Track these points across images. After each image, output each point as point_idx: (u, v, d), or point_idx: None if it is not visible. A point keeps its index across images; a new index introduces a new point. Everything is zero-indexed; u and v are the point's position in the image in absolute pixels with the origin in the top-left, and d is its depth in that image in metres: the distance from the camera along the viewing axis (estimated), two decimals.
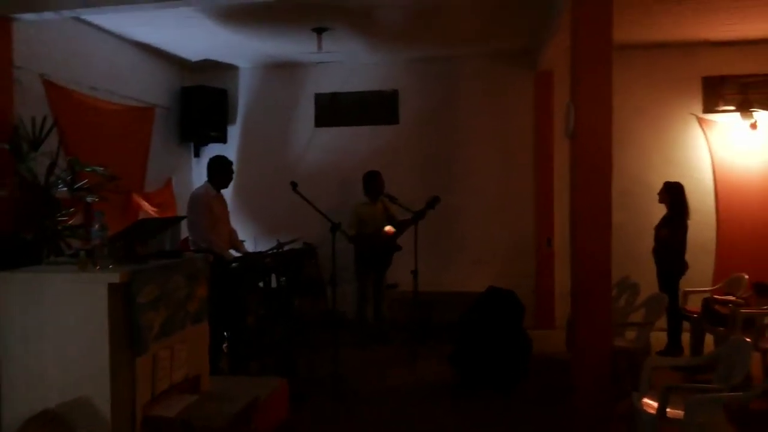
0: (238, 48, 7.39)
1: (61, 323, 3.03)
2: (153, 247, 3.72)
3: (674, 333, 6.25)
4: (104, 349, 2.98)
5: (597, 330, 4.22)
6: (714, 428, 3.45)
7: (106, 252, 3.17)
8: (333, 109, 8.32)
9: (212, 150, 7.90)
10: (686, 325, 6.27)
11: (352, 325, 7.08)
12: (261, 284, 6.03)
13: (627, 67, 6.84)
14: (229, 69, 8.37)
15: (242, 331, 5.62)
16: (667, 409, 3.49)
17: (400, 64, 8.07)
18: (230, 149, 8.15)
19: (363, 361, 6.31)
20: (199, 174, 8.19)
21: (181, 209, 7.45)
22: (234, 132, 8.43)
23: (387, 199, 6.76)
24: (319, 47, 6.74)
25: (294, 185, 5.49)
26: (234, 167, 5.92)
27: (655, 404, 3.60)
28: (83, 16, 5.93)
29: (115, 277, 2.99)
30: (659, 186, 6.49)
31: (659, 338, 6.15)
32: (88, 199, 5.30)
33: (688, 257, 6.28)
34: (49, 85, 5.66)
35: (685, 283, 6.40)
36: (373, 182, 7.00)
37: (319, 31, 6.59)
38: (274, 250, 5.80)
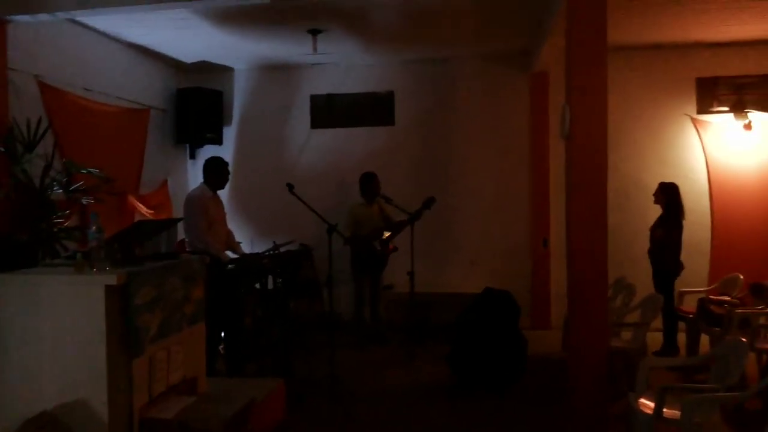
0: (233, 49, 7.38)
1: (58, 325, 3.03)
2: (149, 249, 3.72)
3: (670, 333, 6.27)
4: (101, 351, 2.98)
5: (593, 330, 4.23)
6: (710, 428, 3.46)
7: (103, 254, 3.17)
8: (329, 111, 8.32)
9: (208, 152, 7.88)
10: (682, 325, 6.28)
11: (348, 327, 7.08)
12: (258, 286, 6.02)
13: (621, 69, 6.86)
14: (225, 71, 8.36)
15: (239, 333, 5.61)
16: (664, 409, 3.50)
17: (396, 66, 8.08)
18: (226, 151, 8.14)
19: (360, 362, 6.31)
20: (194, 176, 8.19)
21: (177, 211, 7.43)
22: (230, 134, 8.42)
23: (383, 200, 6.76)
24: (315, 49, 6.73)
25: (290, 187, 5.49)
26: (230, 169, 5.90)
27: (651, 404, 3.61)
28: (78, 18, 5.91)
29: (112, 279, 2.99)
30: (654, 187, 6.51)
31: (655, 339, 6.16)
32: (84, 201, 5.30)
33: (683, 258, 6.30)
34: (44, 87, 5.64)
35: (681, 284, 6.42)
36: (369, 184, 7.00)
37: (315, 32, 6.59)
38: (271, 252, 5.79)
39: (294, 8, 5.87)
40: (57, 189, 5.09)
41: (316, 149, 8.27)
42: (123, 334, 3.10)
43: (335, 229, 5.51)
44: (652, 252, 6.41)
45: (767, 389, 3.26)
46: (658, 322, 6.01)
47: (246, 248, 6.44)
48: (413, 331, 6.48)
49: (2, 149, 4.87)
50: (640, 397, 3.80)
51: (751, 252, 7.08)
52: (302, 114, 8.34)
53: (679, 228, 6.29)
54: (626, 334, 5.64)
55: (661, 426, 3.56)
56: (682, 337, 6.25)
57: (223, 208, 5.92)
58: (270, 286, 5.93)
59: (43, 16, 5.17)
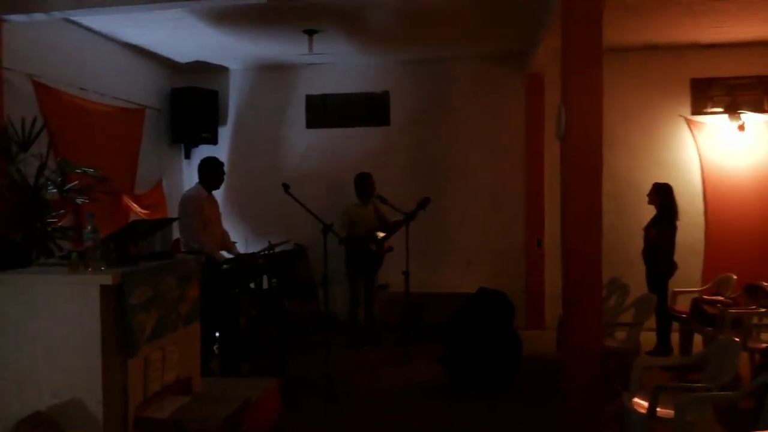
0: (229, 49, 7.38)
1: (53, 325, 3.02)
2: (144, 248, 3.72)
3: (663, 333, 6.30)
4: (96, 351, 2.98)
5: (588, 330, 4.24)
6: (703, 427, 3.48)
7: (98, 254, 3.16)
8: (324, 111, 8.32)
9: (203, 151, 7.88)
10: (675, 325, 6.32)
11: (343, 327, 7.08)
12: (252, 285, 6.03)
13: (616, 70, 6.88)
14: (220, 70, 8.36)
15: (234, 333, 5.60)
16: (657, 409, 3.52)
17: (391, 66, 8.08)
18: (221, 151, 8.14)
19: (354, 362, 6.32)
20: (189, 175, 8.19)
21: (172, 211, 7.43)
22: (225, 133, 8.42)
23: (378, 200, 6.77)
24: (310, 49, 6.74)
25: (286, 187, 5.49)
26: (225, 169, 5.90)
27: (645, 404, 3.63)
28: (73, 17, 5.90)
29: (107, 279, 2.99)
30: (648, 187, 6.53)
31: (649, 338, 6.18)
32: (78, 201, 5.29)
33: (677, 258, 6.33)
34: (39, 86, 5.62)
35: (674, 284, 6.45)
36: (363, 184, 7.01)
37: (310, 32, 6.59)
38: (266, 252, 5.79)
39: (290, 8, 5.87)
40: (51, 188, 5.07)
41: (311, 149, 8.27)
42: (118, 334, 3.09)
43: (330, 229, 5.52)
44: (646, 252, 6.44)
45: (759, 389, 3.28)
46: (651, 322, 6.02)
47: (241, 248, 6.43)
48: (408, 331, 6.49)
49: None
50: (634, 396, 3.82)
51: (744, 252, 7.11)
52: (298, 114, 8.34)
53: (672, 228, 6.32)
54: (620, 334, 5.66)
55: (655, 425, 3.58)
56: (675, 337, 6.29)
57: (218, 208, 5.91)
58: (265, 285, 5.94)
59: (38, 16, 5.16)
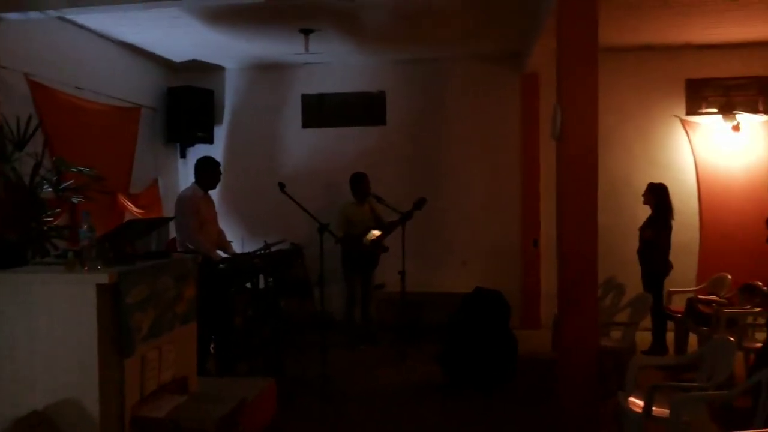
0: (225, 49, 7.37)
1: (49, 324, 3.01)
2: (140, 248, 3.71)
3: (659, 332, 6.32)
4: (93, 350, 2.97)
5: (583, 330, 4.25)
6: (698, 426, 3.50)
7: (95, 253, 3.16)
8: (320, 110, 8.32)
9: (199, 151, 7.87)
10: (670, 324, 6.34)
11: (339, 326, 7.08)
12: (249, 285, 6.02)
13: (612, 70, 6.89)
14: (216, 70, 8.35)
15: (230, 332, 5.60)
16: (653, 408, 3.54)
17: (387, 66, 8.09)
18: (217, 150, 8.12)
19: (351, 362, 6.32)
20: (185, 175, 8.17)
21: (167, 210, 7.42)
22: (221, 133, 8.41)
23: (374, 199, 6.77)
24: (306, 48, 6.73)
25: (282, 186, 5.49)
26: (221, 168, 5.89)
27: (641, 403, 3.64)
28: (69, 16, 5.88)
29: (103, 278, 2.98)
30: (643, 187, 6.56)
31: (644, 338, 6.21)
32: (74, 200, 5.27)
33: (672, 258, 6.36)
34: (34, 85, 5.60)
35: (670, 284, 6.48)
36: (358, 183, 7.01)
37: (306, 32, 6.59)
38: (262, 251, 5.79)
39: (286, 8, 5.87)
40: (47, 187, 5.06)
41: (307, 149, 8.27)
42: (115, 333, 3.09)
43: (327, 229, 5.51)
44: (641, 252, 6.46)
45: (754, 388, 3.30)
46: (647, 322, 6.06)
47: (237, 248, 6.42)
48: (404, 331, 6.49)
49: None
50: (630, 395, 3.83)
51: (738, 252, 7.14)
52: (293, 113, 8.33)
53: (668, 228, 6.34)
54: (616, 334, 5.68)
55: (651, 424, 3.59)
56: (670, 337, 6.31)
57: (214, 207, 5.90)
58: (261, 285, 5.93)
59: (34, 14, 5.15)
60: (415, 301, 6.85)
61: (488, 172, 7.97)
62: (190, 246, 5.35)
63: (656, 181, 6.56)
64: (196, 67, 8.11)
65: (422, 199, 6.43)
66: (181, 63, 7.96)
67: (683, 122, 7.57)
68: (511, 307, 5.81)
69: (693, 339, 6.12)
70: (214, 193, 5.97)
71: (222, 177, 5.94)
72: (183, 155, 8.36)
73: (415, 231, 6.82)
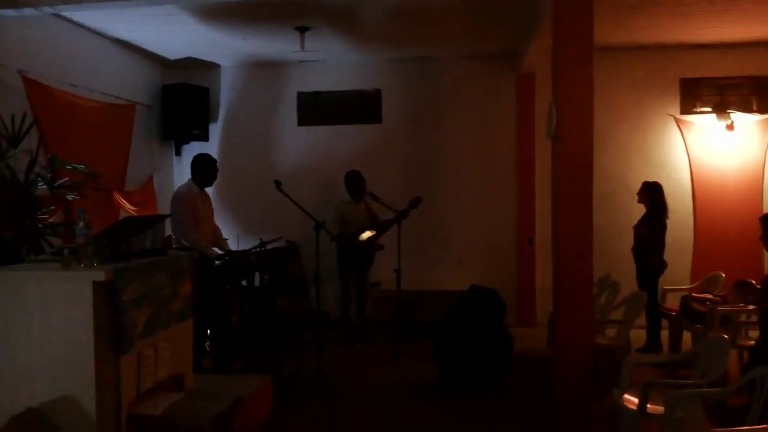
0: (220, 46, 7.35)
1: (46, 321, 3.01)
2: (135, 245, 3.71)
3: (653, 330, 6.34)
4: (89, 348, 2.97)
5: (579, 328, 4.27)
6: (693, 423, 3.51)
7: (91, 250, 3.15)
8: (316, 108, 8.32)
9: (194, 148, 7.86)
10: (665, 322, 6.37)
11: (335, 324, 7.08)
12: (244, 283, 6.01)
13: (607, 69, 6.91)
14: (211, 67, 8.33)
15: (225, 330, 5.60)
16: (648, 405, 3.55)
17: (383, 64, 8.09)
18: (212, 148, 8.10)
19: (346, 360, 6.32)
20: (180, 172, 8.16)
21: (162, 208, 7.40)
22: (216, 130, 8.39)
23: (370, 198, 6.77)
24: (302, 46, 6.73)
25: (278, 184, 5.49)
26: (217, 165, 5.88)
27: (635, 400, 3.66)
28: (64, 13, 5.87)
29: (100, 275, 2.98)
30: (638, 186, 6.58)
31: (639, 336, 6.23)
32: (69, 197, 5.26)
33: (666, 256, 6.38)
34: (29, 82, 5.58)
35: (664, 282, 6.49)
36: (353, 182, 7.01)
37: (302, 29, 6.58)
38: (257, 249, 5.78)
39: (282, 5, 5.87)
40: (42, 185, 5.04)
41: (302, 147, 8.27)
42: (111, 331, 3.08)
43: (323, 227, 5.52)
44: (636, 250, 6.48)
45: (748, 385, 3.32)
46: (641, 320, 6.07)
47: (232, 245, 6.42)
48: (400, 329, 6.50)
49: None
50: (625, 393, 3.85)
51: (732, 250, 7.18)
52: (289, 111, 8.33)
53: (662, 227, 6.37)
54: (610, 332, 5.70)
55: (645, 421, 3.61)
56: (665, 335, 6.33)
57: (210, 204, 5.90)
58: (257, 283, 5.93)
59: (28, 11, 5.14)
60: (411, 299, 6.87)
61: (484, 170, 7.98)
62: (185, 243, 5.35)
63: (651, 179, 6.58)
64: (191, 64, 8.10)
65: (418, 197, 6.43)
66: (176, 60, 7.94)
67: (678, 121, 7.60)
68: (506, 305, 5.82)
69: (687, 337, 6.14)
70: (209, 190, 5.96)
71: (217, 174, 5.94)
72: (178, 153, 8.34)
73: (411, 229, 6.84)
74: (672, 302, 6.47)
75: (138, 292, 3.25)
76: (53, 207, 5.20)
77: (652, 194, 6.42)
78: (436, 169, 8.02)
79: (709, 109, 7.54)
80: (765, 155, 7.40)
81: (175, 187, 6.86)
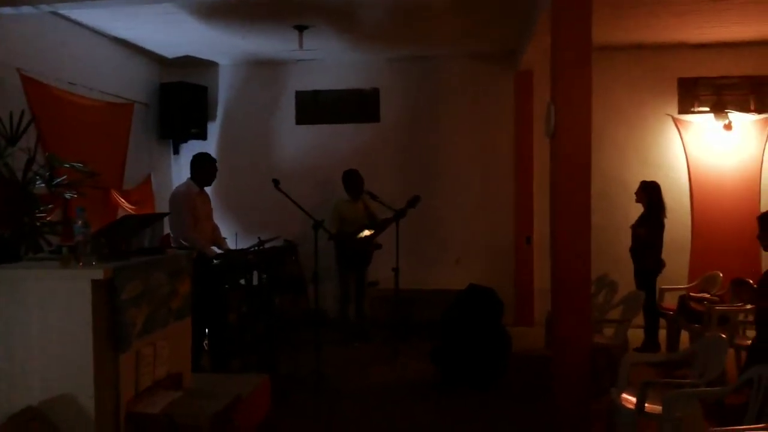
0: (218, 45, 7.35)
1: (44, 320, 3.00)
2: (134, 244, 3.70)
3: (651, 330, 6.35)
4: (88, 346, 2.96)
5: (577, 327, 4.27)
6: (690, 422, 3.52)
7: (89, 248, 3.15)
8: (314, 107, 8.32)
9: (192, 147, 7.85)
10: (662, 322, 6.38)
11: (333, 323, 7.09)
12: (242, 281, 6.01)
13: (605, 68, 6.92)
14: (210, 66, 8.32)
15: (223, 329, 5.60)
16: (645, 404, 3.56)
17: (382, 63, 8.09)
18: (210, 146, 8.09)
19: (345, 359, 6.33)
20: (178, 171, 8.16)
21: (160, 206, 7.39)
22: (214, 129, 8.38)
23: (368, 196, 6.77)
24: (301, 45, 6.73)
25: (276, 183, 5.49)
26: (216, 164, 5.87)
27: (633, 399, 3.67)
28: (62, 11, 5.86)
29: (98, 273, 2.97)
30: (636, 185, 6.59)
31: (636, 335, 6.24)
32: (67, 196, 5.25)
33: (664, 255, 6.39)
34: (27, 80, 5.57)
35: (662, 281, 6.50)
36: (351, 180, 7.02)
37: (301, 28, 6.58)
38: (256, 248, 5.78)
39: (280, 4, 5.87)
40: (40, 183, 5.03)
41: (300, 145, 8.27)
42: (109, 329, 3.08)
43: (321, 226, 5.52)
44: (633, 250, 6.49)
45: (746, 384, 3.33)
46: (639, 319, 6.09)
47: (230, 244, 6.41)
48: (398, 328, 6.50)
49: None
50: (622, 392, 3.85)
51: (730, 250, 7.20)
52: (287, 110, 8.32)
53: (660, 226, 6.38)
54: (608, 331, 5.71)
55: (643, 421, 3.62)
56: (662, 334, 6.34)
57: (210, 203, 5.90)
58: (255, 282, 5.93)
59: (26, 9, 5.12)
60: (409, 298, 6.87)
61: (482, 169, 7.99)
62: (184, 243, 5.35)
63: (649, 179, 6.59)
64: (189, 63, 8.09)
65: (416, 196, 6.43)
66: (175, 59, 7.93)
67: (675, 121, 7.61)
68: (504, 304, 5.83)
69: (685, 336, 6.16)
70: (207, 189, 5.95)
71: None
72: (176, 151, 8.33)
73: (409, 228, 6.84)
74: (670, 302, 6.49)
75: (137, 290, 3.25)
76: (51, 205, 5.19)
77: (650, 194, 6.43)
78: (434, 168, 8.03)
79: (707, 109, 7.56)
80: (762, 155, 7.42)
81: (174, 186, 6.87)
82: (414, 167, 8.04)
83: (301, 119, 8.33)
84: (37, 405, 2.95)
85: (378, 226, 6.83)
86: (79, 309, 2.96)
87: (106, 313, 3.06)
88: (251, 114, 8.36)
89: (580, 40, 4.29)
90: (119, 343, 3.12)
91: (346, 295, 7.02)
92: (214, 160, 5.76)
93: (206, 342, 5.57)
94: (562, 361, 4.32)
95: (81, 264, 3.08)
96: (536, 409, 4.81)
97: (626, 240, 6.56)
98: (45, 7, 5.18)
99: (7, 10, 5.14)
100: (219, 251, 5.72)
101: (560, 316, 4.35)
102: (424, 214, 7.24)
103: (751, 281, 5.77)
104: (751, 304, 5.41)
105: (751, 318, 5.58)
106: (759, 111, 7.45)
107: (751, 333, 5.57)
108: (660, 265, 6.36)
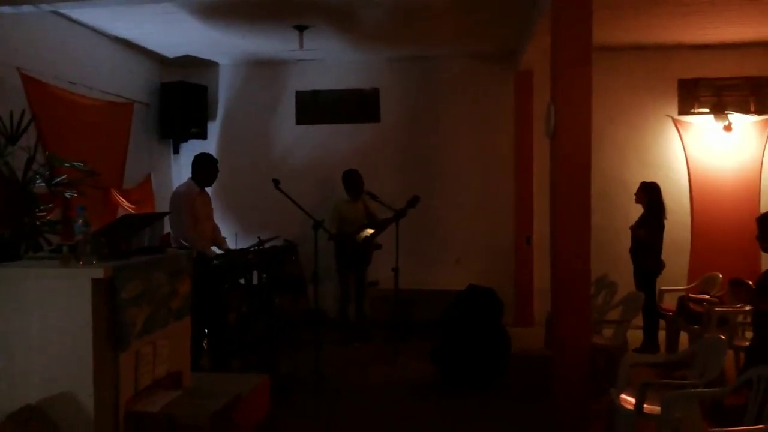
0: (218, 44, 7.35)
1: (44, 318, 2.99)
2: (134, 243, 3.70)
3: (651, 331, 6.36)
4: (87, 345, 2.95)
5: (576, 327, 4.27)
6: (689, 423, 3.52)
7: (90, 248, 3.14)
8: (314, 107, 8.32)
9: (192, 146, 7.86)
10: (662, 323, 6.38)
11: (333, 323, 7.09)
12: (242, 281, 6.01)
13: (605, 69, 6.89)
14: (210, 65, 8.33)
15: (223, 328, 5.60)
16: (644, 405, 3.57)
17: (382, 63, 8.09)
18: (210, 146, 8.09)
19: (344, 359, 6.33)
20: (178, 170, 8.16)
21: (160, 206, 7.39)
22: (214, 129, 8.39)
23: (368, 196, 6.77)
24: (301, 45, 6.73)
25: (276, 182, 5.49)
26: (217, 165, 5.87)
27: (632, 400, 3.67)
28: (62, 10, 5.86)
29: (99, 273, 2.97)
30: (636, 186, 6.59)
31: (636, 336, 6.24)
32: (67, 195, 5.24)
33: (663, 256, 6.39)
34: (27, 79, 5.57)
35: (662, 282, 6.51)
36: (351, 180, 7.02)
37: (301, 28, 6.58)
38: (255, 247, 5.79)
39: (281, 4, 5.87)
40: (40, 182, 5.02)
41: (300, 145, 8.27)
42: (109, 328, 3.07)
43: (321, 226, 5.52)
44: (633, 251, 6.49)
45: (745, 385, 3.33)
46: (639, 320, 6.10)
47: (230, 244, 6.41)
48: (398, 328, 6.50)
49: None
50: (622, 393, 3.86)
51: (730, 251, 7.19)
52: (287, 110, 8.33)
53: (660, 227, 6.38)
54: (608, 332, 5.71)
55: (642, 421, 3.62)
56: (662, 335, 6.34)
57: (210, 203, 5.90)
58: (255, 281, 5.93)
59: (27, 8, 5.12)
60: (409, 298, 6.87)
61: (482, 169, 7.99)
62: (184, 243, 5.35)
63: (649, 179, 6.59)
64: (189, 62, 8.09)
65: (416, 197, 6.43)
66: (175, 58, 7.94)
67: (675, 122, 7.61)
68: (504, 304, 5.83)
69: (684, 337, 6.16)
70: (208, 189, 5.95)
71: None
72: (176, 151, 8.34)
73: (409, 228, 6.84)
74: (669, 302, 6.49)
75: (137, 290, 3.24)
76: (51, 204, 5.19)
77: (650, 194, 6.43)
78: (434, 168, 8.03)
79: (707, 110, 7.56)
80: (762, 156, 7.42)
81: (174, 186, 6.87)
82: (414, 167, 8.04)
83: (301, 119, 8.33)
84: (36, 403, 2.95)
85: (378, 226, 6.83)
86: (79, 308, 2.96)
87: (106, 312, 3.06)
88: (251, 114, 8.37)
89: (580, 41, 4.29)
90: (119, 342, 3.12)
91: (346, 295, 7.02)
92: (215, 161, 5.77)
93: (206, 342, 5.57)
94: (562, 361, 4.33)
95: (81, 263, 3.07)
96: (536, 409, 4.81)
97: (626, 240, 6.56)
98: (45, 7, 5.17)
99: (7, 10, 5.14)
100: (219, 251, 5.73)
101: (560, 316, 4.35)
102: (424, 214, 7.24)
103: (749, 281, 5.77)
104: (749, 304, 5.41)
105: (750, 319, 5.59)
106: (759, 112, 7.46)
107: (750, 334, 5.57)
108: (660, 266, 6.36)
